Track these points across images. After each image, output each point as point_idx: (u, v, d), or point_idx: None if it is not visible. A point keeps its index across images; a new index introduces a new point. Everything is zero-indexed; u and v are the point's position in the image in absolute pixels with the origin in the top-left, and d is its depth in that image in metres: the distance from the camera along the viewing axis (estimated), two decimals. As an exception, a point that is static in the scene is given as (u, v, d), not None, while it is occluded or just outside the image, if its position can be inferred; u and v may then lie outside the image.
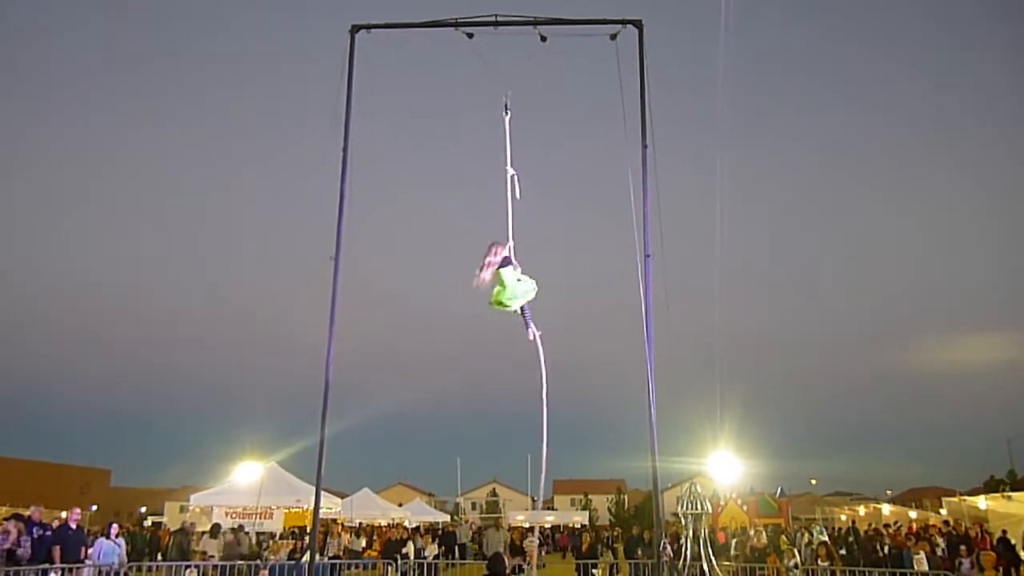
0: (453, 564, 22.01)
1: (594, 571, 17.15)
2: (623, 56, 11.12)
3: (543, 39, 11.15)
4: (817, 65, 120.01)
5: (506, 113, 9.85)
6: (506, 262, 8.24)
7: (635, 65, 11.22)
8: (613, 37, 11.16)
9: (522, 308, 8.35)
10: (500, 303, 8.20)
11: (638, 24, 11.26)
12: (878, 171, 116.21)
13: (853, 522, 38.03)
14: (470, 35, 11.37)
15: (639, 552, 17.71)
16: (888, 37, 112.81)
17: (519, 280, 8.25)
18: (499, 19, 11.36)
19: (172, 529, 23.78)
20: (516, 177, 9.49)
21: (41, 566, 12.59)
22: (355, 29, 11.83)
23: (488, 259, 8.16)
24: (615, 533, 31.97)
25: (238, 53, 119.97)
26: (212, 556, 17.11)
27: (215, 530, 18.52)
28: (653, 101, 11.09)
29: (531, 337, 8.45)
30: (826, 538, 21.69)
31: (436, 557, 21.38)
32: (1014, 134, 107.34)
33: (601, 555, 26.24)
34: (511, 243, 8.77)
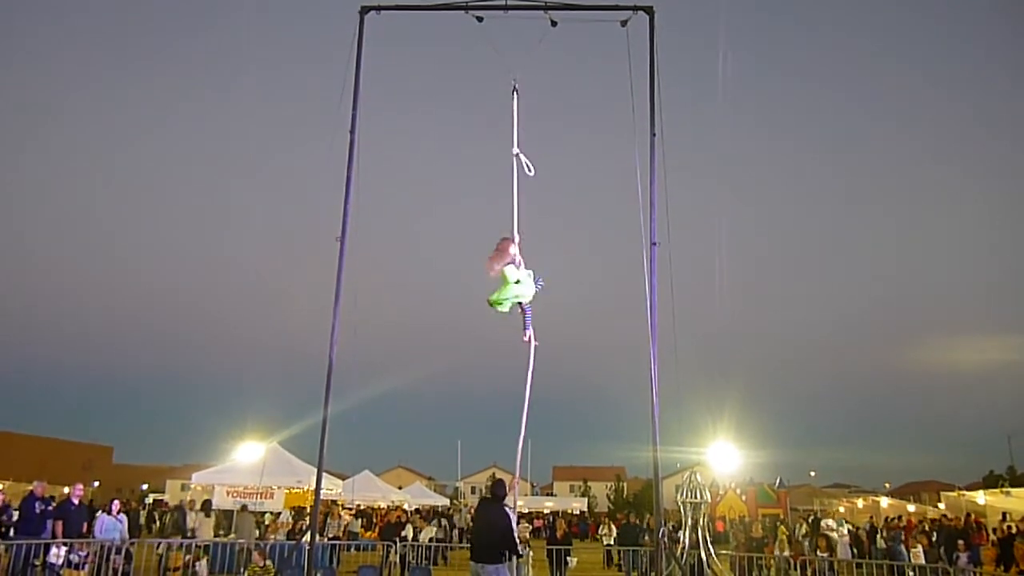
0: (450, 547, 22.12)
1: (568, 558, 17.11)
2: (633, 42, 11.05)
3: (553, 24, 11.06)
4: (823, 67, 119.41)
5: (515, 94, 9.79)
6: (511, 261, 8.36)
7: (645, 52, 11.16)
8: (624, 23, 11.07)
9: (523, 307, 8.45)
10: (494, 303, 8.33)
11: (649, 10, 11.16)
12: (886, 170, 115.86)
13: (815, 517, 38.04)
14: (480, 19, 11.29)
15: (637, 539, 17.76)
16: (898, 40, 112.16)
17: (518, 282, 8.32)
18: (509, 3, 11.28)
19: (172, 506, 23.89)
20: (522, 156, 9.46)
21: (43, 540, 12.65)
22: (364, 11, 11.76)
23: (500, 252, 8.29)
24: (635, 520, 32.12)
25: (246, 33, 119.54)
26: (197, 533, 17.10)
27: (207, 507, 18.56)
28: (662, 89, 11.03)
29: (525, 338, 8.56)
30: (846, 530, 21.73)
31: (431, 540, 21.45)
32: (1019, 137, 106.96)
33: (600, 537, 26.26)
34: (517, 238, 8.79)
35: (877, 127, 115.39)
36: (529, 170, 9.32)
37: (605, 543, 24.43)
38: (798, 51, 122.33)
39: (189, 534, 16.83)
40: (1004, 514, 24.84)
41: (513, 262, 8.36)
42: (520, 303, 8.47)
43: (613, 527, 26.07)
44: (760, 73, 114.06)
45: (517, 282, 8.31)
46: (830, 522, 22.17)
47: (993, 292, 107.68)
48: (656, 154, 10.75)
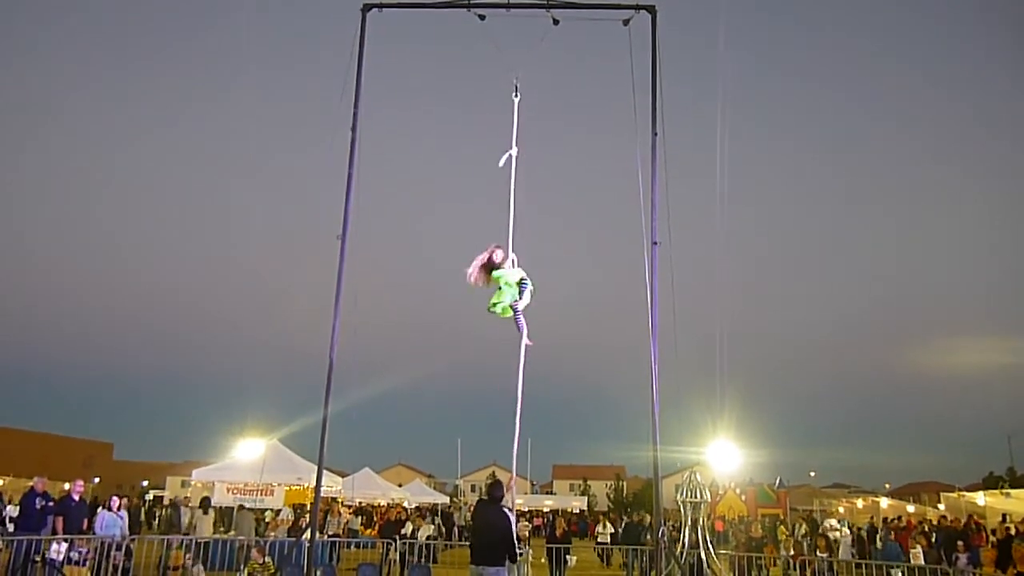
0: (451, 545, 22.14)
1: (568, 557, 17.12)
2: (635, 41, 11.05)
3: (555, 22, 11.05)
4: (823, 67, 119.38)
5: (516, 95, 9.81)
6: (492, 266, 8.39)
7: (647, 51, 11.15)
8: (626, 22, 11.06)
9: (514, 309, 8.45)
10: (489, 308, 8.43)
11: (651, 9, 11.14)
12: (886, 170, 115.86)
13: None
14: (482, 17, 11.28)
15: (640, 538, 17.75)
16: (898, 40, 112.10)
17: (503, 287, 8.35)
18: (511, 1, 11.27)
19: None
20: (515, 155, 9.49)
21: (43, 537, 12.67)
22: (367, 8, 11.75)
23: (478, 259, 8.38)
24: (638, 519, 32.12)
25: (246, 33, 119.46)
26: (196, 531, 17.05)
27: (205, 504, 18.58)
28: (663, 88, 11.02)
29: (523, 340, 8.57)
30: (848, 531, 21.75)
31: (429, 538, 21.45)
32: (1019, 137, 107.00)
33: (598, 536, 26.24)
34: (510, 244, 8.85)
35: (877, 127, 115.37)
36: (501, 164, 9.37)
37: (599, 540, 24.34)
38: (798, 51, 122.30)
39: (185, 531, 16.83)
40: (1004, 516, 24.83)
41: (497, 266, 8.40)
42: (512, 306, 8.49)
43: (609, 525, 26.06)
44: (760, 73, 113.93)
45: (499, 289, 8.38)
46: (833, 522, 22.20)
47: (993, 292, 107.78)
48: (658, 153, 10.76)
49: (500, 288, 8.31)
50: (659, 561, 10.14)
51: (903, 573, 14.28)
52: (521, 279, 8.45)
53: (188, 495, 21.54)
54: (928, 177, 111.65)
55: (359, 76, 11.68)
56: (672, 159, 10.97)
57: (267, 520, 23.28)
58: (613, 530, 24.23)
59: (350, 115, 11.59)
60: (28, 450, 55.56)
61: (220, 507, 21.71)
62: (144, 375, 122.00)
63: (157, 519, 30.73)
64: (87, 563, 12.61)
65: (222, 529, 19.71)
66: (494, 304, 8.33)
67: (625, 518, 37.65)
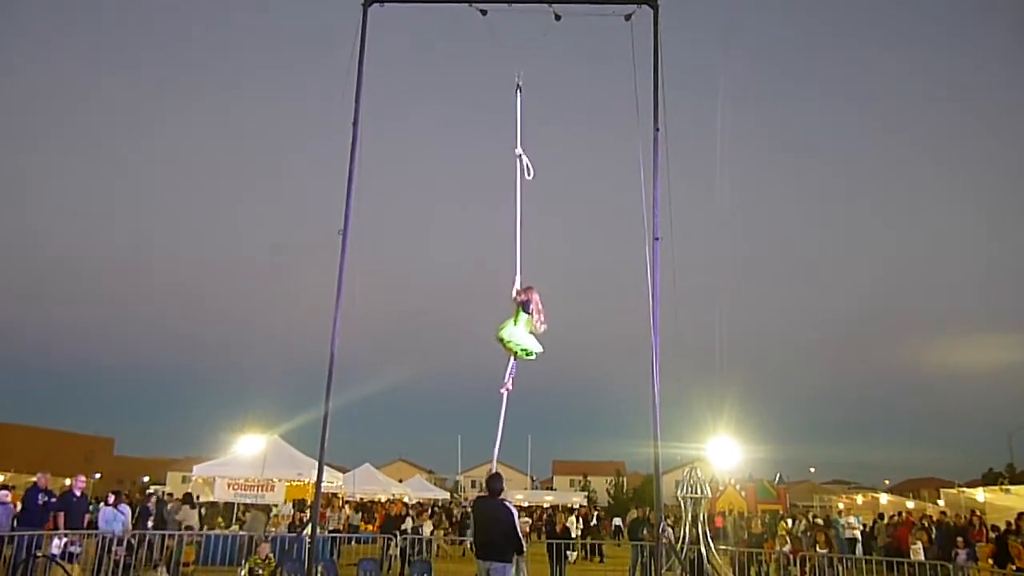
0: (454, 541, 22.18)
1: (568, 552, 17.12)
2: (637, 37, 11.02)
3: (557, 18, 11.02)
4: (824, 66, 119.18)
5: (518, 92, 9.80)
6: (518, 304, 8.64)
7: (649, 46, 11.11)
8: (627, 17, 11.03)
9: (513, 356, 8.62)
10: (503, 339, 8.53)
11: (653, 4, 11.11)
12: (886, 170, 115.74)
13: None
14: (484, 12, 11.24)
15: (644, 533, 17.77)
16: (898, 40, 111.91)
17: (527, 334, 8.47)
18: (513, -4, 11.22)
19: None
20: (524, 157, 9.53)
21: (45, 532, 12.69)
22: (368, 3, 11.71)
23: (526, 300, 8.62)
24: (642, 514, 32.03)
25: (248, 32, 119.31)
26: (191, 527, 17.06)
27: (188, 499, 18.58)
28: (665, 84, 10.99)
29: (504, 386, 8.68)
30: (859, 528, 21.79)
31: (432, 533, 21.49)
32: (1019, 137, 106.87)
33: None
34: (518, 244, 9.09)
35: (877, 127, 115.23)
36: (529, 173, 9.42)
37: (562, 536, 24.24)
38: (799, 51, 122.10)
39: (173, 525, 16.84)
40: (1020, 515, 24.66)
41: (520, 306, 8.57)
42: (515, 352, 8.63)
43: (580, 520, 25.91)
44: (761, 72, 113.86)
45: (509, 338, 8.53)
46: (852, 519, 22.25)
47: (993, 291, 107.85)
48: (659, 149, 10.73)
49: (515, 322, 8.52)
50: (659, 557, 10.15)
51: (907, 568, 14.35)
52: (527, 350, 8.59)
53: (170, 492, 21.46)
54: (928, 177, 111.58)
55: (360, 71, 11.65)
56: (674, 156, 10.94)
57: (274, 516, 23.34)
58: (583, 525, 24.03)
59: (351, 111, 11.57)
60: (29, 445, 55.64)
61: (221, 503, 21.68)
62: (145, 371, 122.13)
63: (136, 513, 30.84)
64: (82, 557, 12.68)
65: (222, 524, 19.74)
66: (503, 333, 8.50)
67: (596, 512, 37.68)
